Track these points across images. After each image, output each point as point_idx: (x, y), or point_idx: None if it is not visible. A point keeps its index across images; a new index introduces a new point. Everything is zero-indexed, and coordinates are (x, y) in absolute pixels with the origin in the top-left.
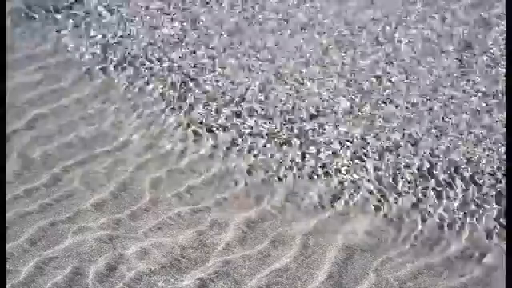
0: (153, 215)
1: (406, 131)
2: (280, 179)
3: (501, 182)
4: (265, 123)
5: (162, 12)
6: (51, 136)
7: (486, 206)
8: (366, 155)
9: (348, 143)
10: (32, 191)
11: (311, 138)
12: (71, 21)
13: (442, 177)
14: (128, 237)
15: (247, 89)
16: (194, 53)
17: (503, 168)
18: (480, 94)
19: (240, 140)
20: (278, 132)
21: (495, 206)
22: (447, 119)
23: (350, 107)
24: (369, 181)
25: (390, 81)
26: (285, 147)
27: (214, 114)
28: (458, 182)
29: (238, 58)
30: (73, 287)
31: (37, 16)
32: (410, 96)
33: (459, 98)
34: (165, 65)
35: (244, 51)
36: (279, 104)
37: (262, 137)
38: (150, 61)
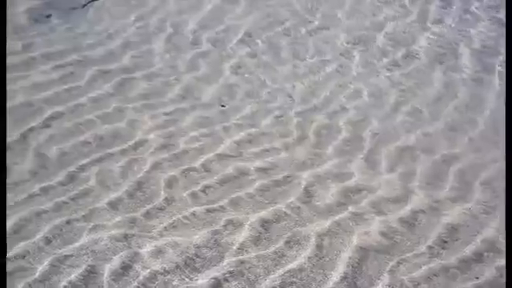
0: (168, 214)
1: None
2: None
3: None
4: None
5: None
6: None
7: None
8: None
9: None
10: (48, 189)
11: None
12: None
13: None
14: (143, 236)
15: None
16: None
17: None
18: None
19: None
20: None
21: None
22: None
23: None
24: None
25: None
26: None
27: None
28: None
29: None
30: (88, 285)
31: None
32: None
33: None
34: None
35: None
36: None
37: None
38: None
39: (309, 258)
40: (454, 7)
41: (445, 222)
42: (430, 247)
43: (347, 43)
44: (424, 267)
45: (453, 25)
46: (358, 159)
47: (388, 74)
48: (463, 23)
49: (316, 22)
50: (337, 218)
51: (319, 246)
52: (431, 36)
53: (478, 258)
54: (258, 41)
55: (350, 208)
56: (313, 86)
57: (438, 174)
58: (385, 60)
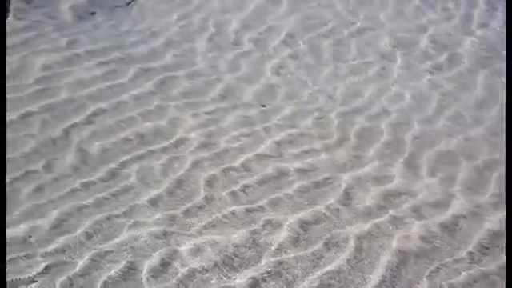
0: (207, 213)
1: None
2: None
3: None
4: None
5: None
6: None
7: None
8: None
9: None
10: (89, 185)
11: None
12: None
13: None
14: (182, 233)
15: None
16: None
17: None
18: None
19: None
20: None
21: None
22: None
23: None
24: None
25: None
26: None
27: None
28: None
29: None
30: (127, 281)
31: None
32: None
33: None
34: None
35: None
36: None
37: None
38: None
39: (347, 260)
40: (499, 11)
41: (486, 227)
42: (470, 253)
43: (390, 45)
44: (464, 273)
45: (498, 28)
46: (398, 163)
47: (430, 77)
48: None
49: (358, 24)
50: (376, 221)
51: (358, 249)
52: (475, 39)
53: None
54: (300, 42)
55: (390, 211)
56: (354, 87)
57: (480, 179)
58: (428, 63)
